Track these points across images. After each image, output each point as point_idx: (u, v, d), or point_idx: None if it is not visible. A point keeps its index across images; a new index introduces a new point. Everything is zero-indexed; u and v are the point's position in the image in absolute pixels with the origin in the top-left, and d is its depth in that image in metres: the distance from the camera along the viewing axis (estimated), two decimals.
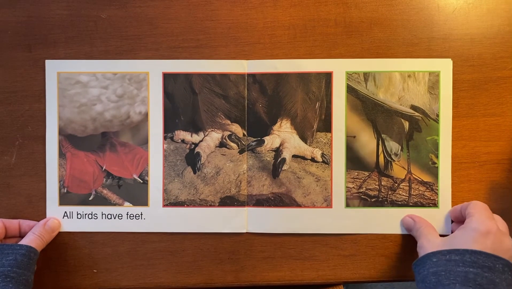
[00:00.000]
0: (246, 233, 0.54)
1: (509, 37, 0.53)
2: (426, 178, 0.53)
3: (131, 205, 0.54)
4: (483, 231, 0.43)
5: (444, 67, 0.52)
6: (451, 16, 0.53)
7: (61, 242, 0.54)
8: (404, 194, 0.53)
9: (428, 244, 0.47)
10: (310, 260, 0.54)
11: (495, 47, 0.53)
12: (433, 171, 0.53)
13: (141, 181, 0.54)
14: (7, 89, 0.54)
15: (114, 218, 0.54)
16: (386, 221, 0.53)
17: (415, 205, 0.53)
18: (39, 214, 0.54)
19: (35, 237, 0.50)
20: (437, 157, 0.53)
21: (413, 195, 0.53)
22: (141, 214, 0.54)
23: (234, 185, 0.54)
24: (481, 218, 0.45)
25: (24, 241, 0.49)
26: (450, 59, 0.53)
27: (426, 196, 0.53)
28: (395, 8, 0.53)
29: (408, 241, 0.53)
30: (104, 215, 0.54)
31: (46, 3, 0.54)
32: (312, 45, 0.53)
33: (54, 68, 0.54)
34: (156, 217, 0.54)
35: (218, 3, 0.54)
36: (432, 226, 0.50)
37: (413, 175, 0.53)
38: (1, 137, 0.54)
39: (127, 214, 0.54)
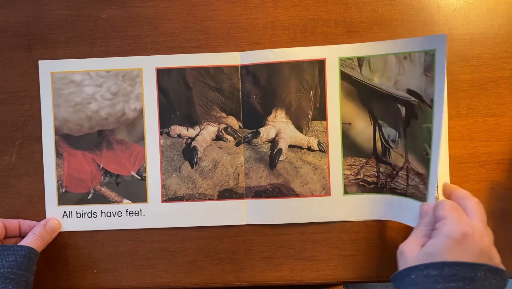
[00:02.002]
0: (247, 227, 0.54)
1: (509, 37, 0.53)
2: (421, 170, 0.50)
3: (130, 202, 0.54)
4: (458, 237, 0.40)
5: (439, 44, 0.49)
6: (451, 16, 0.53)
7: (61, 242, 0.54)
8: (403, 182, 0.52)
9: (408, 252, 0.43)
10: (310, 260, 0.54)
11: (495, 47, 0.53)
12: (426, 162, 0.49)
13: (139, 178, 0.54)
14: (7, 89, 0.54)
15: (114, 216, 0.54)
16: (386, 208, 0.53)
17: (412, 196, 0.51)
18: (39, 214, 0.54)
19: (35, 237, 0.50)
20: (429, 146, 0.49)
21: (410, 185, 0.51)
22: (141, 211, 0.54)
23: (232, 177, 0.54)
24: (454, 221, 0.41)
25: (24, 242, 0.49)
26: (445, 34, 0.50)
27: (419, 188, 0.50)
28: (395, 8, 0.53)
29: None
30: (103, 213, 0.54)
31: (46, 3, 0.54)
32: (312, 45, 0.53)
33: (47, 68, 0.54)
34: (155, 213, 0.54)
35: (218, 3, 0.54)
36: (426, 229, 0.45)
37: (410, 164, 0.51)
38: (1, 137, 0.54)
39: (127, 211, 0.54)
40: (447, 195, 0.47)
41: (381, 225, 0.54)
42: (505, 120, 0.53)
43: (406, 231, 0.53)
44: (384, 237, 0.53)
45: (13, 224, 0.52)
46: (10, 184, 0.54)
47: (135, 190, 0.54)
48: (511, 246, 0.53)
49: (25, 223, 0.53)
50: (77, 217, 0.54)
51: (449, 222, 0.41)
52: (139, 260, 0.54)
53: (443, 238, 0.41)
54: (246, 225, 0.54)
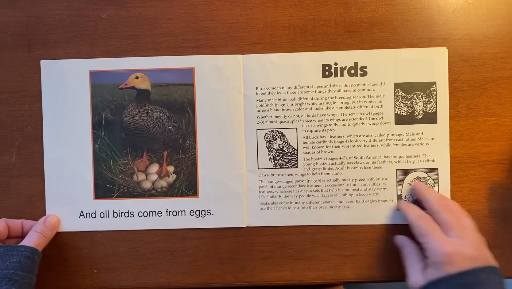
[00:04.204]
0: (247, 228, 0.54)
1: (509, 37, 0.53)
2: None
3: None
4: (445, 259, 0.43)
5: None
6: (451, 16, 0.53)
7: (61, 242, 0.54)
8: None
9: (415, 284, 0.46)
10: (310, 260, 0.54)
11: (495, 47, 0.53)
12: None
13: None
14: (7, 89, 0.54)
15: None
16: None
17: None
18: (39, 214, 0.54)
19: (37, 235, 0.50)
20: None
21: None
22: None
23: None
24: (434, 247, 0.44)
25: (26, 241, 0.49)
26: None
27: None
28: (395, 8, 0.53)
29: None
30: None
31: (46, 3, 0.54)
32: (312, 45, 0.53)
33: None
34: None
35: (218, 3, 0.54)
36: (414, 256, 0.49)
37: None
38: (1, 137, 0.54)
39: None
40: (424, 202, 0.50)
41: (381, 225, 0.54)
42: (505, 120, 0.53)
43: (406, 230, 0.53)
44: (385, 237, 0.53)
45: (16, 224, 0.52)
46: (10, 184, 0.54)
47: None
48: (511, 246, 0.53)
49: (28, 223, 0.52)
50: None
51: (430, 250, 0.45)
52: (139, 260, 0.54)
53: (434, 265, 0.44)
54: (247, 229, 0.54)
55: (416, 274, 0.46)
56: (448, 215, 0.46)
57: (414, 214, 0.49)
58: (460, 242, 0.44)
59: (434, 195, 0.49)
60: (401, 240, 0.51)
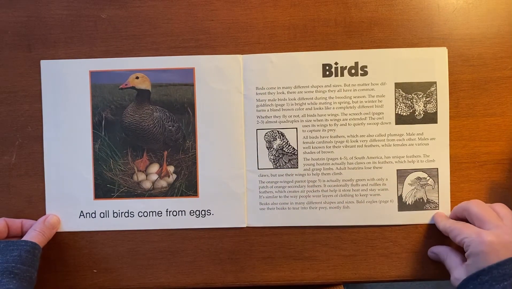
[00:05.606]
0: (247, 228, 0.54)
1: (509, 37, 0.53)
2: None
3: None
4: (485, 249, 0.42)
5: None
6: (451, 16, 0.53)
7: (61, 242, 0.54)
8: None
9: (459, 277, 0.46)
10: (310, 260, 0.54)
11: (495, 47, 0.53)
12: None
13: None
14: (7, 89, 0.54)
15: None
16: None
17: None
18: (39, 214, 0.54)
19: (36, 233, 0.50)
20: None
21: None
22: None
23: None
24: (472, 239, 0.44)
25: (25, 237, 0.49)
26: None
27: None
28: (395, 8, 0.53)
29: (408, 242, 0.53)
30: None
31: (46, 3, 0.54)
32: (312, 45, 0.53)
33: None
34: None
35: (218, 3, 0.54)
36: (455, 254, 0.49)
37: None
38: (1, 137, 0.54)
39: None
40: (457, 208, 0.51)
41: (381, 226, 0.54)
42: (505, 120, 0.53)
43: (406, 230, 0.53)
44: (384, 237, 0.53)
45: (16, 223, 0.52)
46: (10, 184, 0.54)
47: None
48: None
49: (28, 223, 0.52)
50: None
51: (469, 242, 0.44)
52: (139, 260, 0.54)
53: (475, 257, 0.43)
54: (247, 229, 0.54)
55: (458, 268, 0.46)
56: (479, 208, 0.47)
57: (447, 221, 0.50)
58: (497, 231, 0.43)
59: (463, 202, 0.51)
60: (435, 249, 0.52)
